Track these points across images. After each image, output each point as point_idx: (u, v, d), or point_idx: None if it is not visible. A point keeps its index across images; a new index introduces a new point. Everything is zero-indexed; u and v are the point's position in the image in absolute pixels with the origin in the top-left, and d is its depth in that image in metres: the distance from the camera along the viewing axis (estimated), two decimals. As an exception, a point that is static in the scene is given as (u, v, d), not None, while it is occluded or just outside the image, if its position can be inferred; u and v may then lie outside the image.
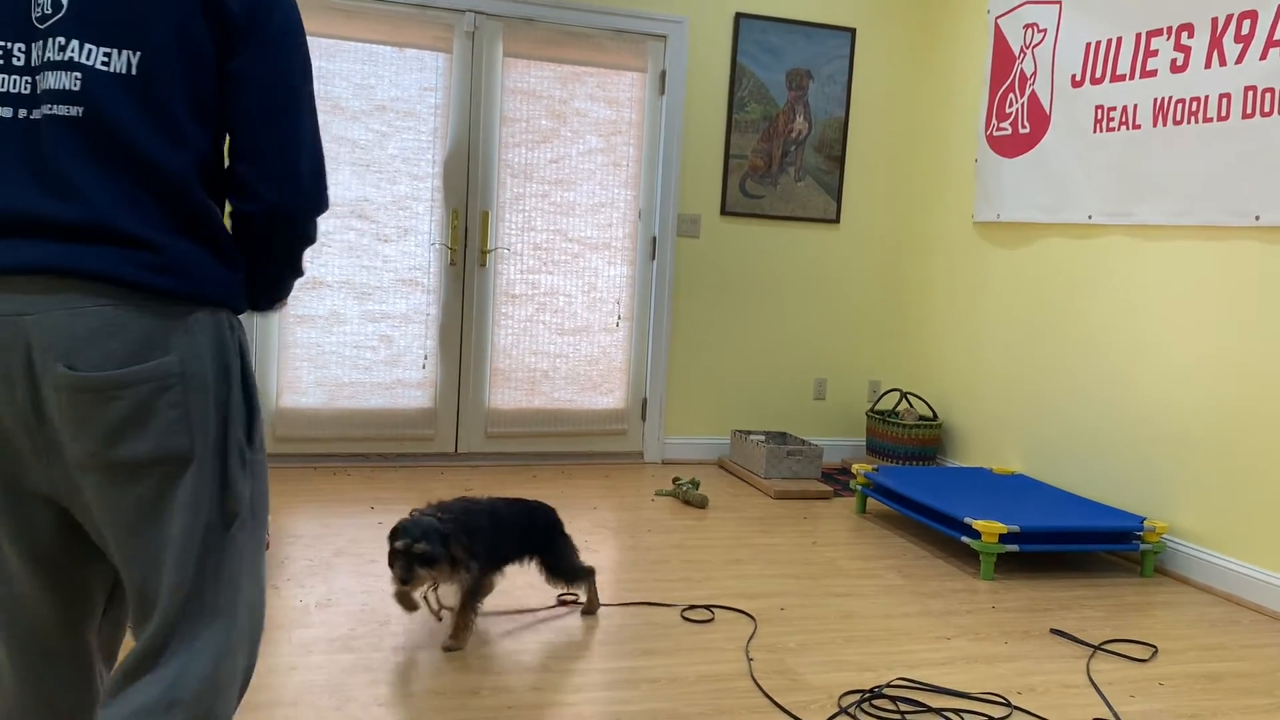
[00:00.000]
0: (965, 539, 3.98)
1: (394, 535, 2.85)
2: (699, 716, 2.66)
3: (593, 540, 4.15)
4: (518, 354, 5.33)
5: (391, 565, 2.86)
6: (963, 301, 5.53)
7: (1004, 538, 3.91)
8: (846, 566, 4.01)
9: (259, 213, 1.55)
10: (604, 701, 2.72)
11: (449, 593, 3.14)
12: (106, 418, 1.42)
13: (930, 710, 2.75)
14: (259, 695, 2.62)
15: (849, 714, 2.72)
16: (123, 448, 1.43)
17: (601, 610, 3.38)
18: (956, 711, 2.75)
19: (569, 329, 5.40)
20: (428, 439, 5.24)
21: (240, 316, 1.64)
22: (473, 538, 2.97)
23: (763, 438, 5.45)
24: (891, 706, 2.76)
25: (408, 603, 3.06)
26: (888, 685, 2.88)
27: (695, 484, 4.83)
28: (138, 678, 1.47)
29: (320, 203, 1.60)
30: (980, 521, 3.92)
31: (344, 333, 5.06)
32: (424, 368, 5.19)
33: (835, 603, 3.58)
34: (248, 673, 1.61)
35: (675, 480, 4.92)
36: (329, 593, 3.37)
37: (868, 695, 2.81)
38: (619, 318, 5.48)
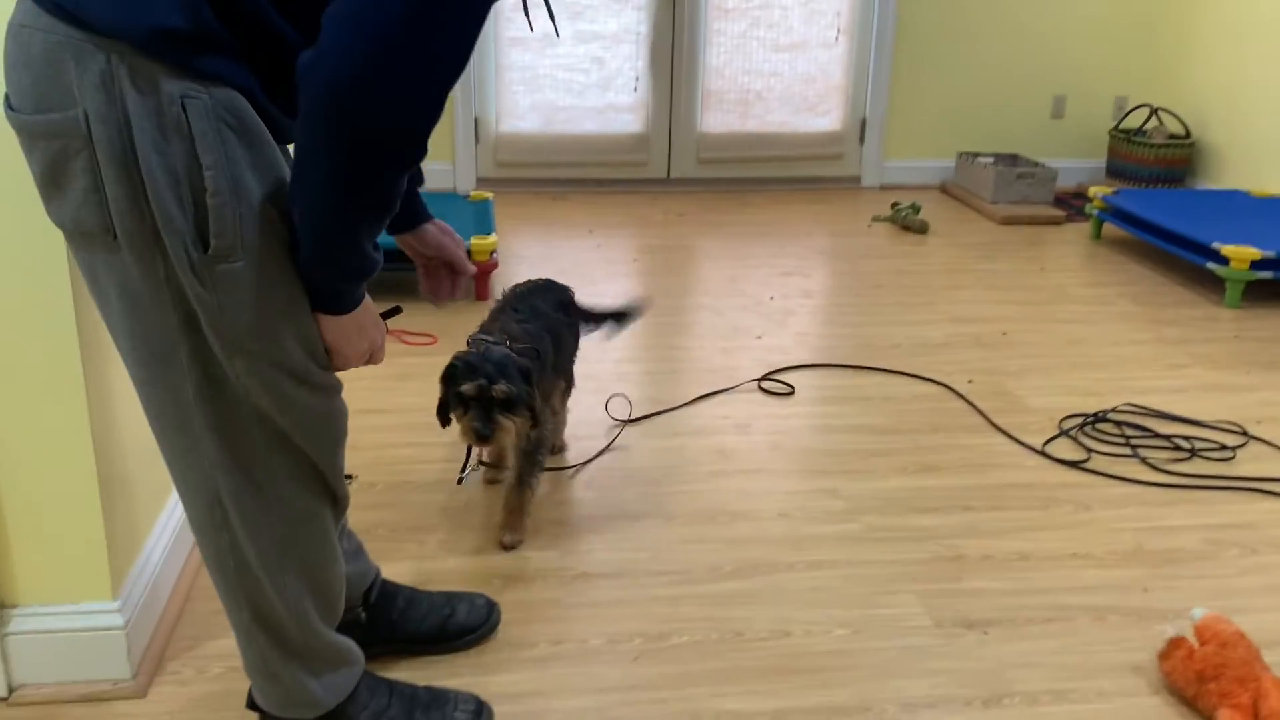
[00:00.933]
0: (1211, 265, 3.70)
1: (458, 375, 2.00)
2: (913, 432, 2.68)
3: (805, 265, 4.12)
4: (730, 74, 5.16)
5: (452, 415, 2.06)
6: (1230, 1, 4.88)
7: (1256, 264, 3.61)
8: (1076, 293, 3.83)
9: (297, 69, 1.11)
10: (812, 416, 2.78)
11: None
12: (34, 168, 1.20)
13: (1157, 436, 2.66)
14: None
15: (1070, 436, 2.67)
16: (50, 207, 1.21)
17: (797, 341, 3.39)
18: (1186, 438, 2.65)
19: (784, 45, 5.15)
20: (640, 164, 5.24)
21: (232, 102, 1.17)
22: (557, 361, 2.30)
23: (991, 160, 5.14)
24: (1116, 431, 2.69)
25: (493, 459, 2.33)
26: (1113, 410, 2.80)
27: (915, 208, 4.66)
28: None
29: (345, 76, 1.06)
30: (1230, 246, 3.62)
31: (556, 55, 5.02)
32: (635, 90, 5.11)
33: (1061, 329, 3.45)
34: (230, 542, 1.35)
35: (894, 205, 4.75)
36: (552, 309, 3.53)
37: (1091, 419, 2.74)
38: (838, 31, 5.16)
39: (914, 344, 3.28)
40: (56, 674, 1.67)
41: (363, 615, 1.72)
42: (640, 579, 2.04)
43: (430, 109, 1.12)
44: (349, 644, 1.53)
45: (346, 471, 1.96)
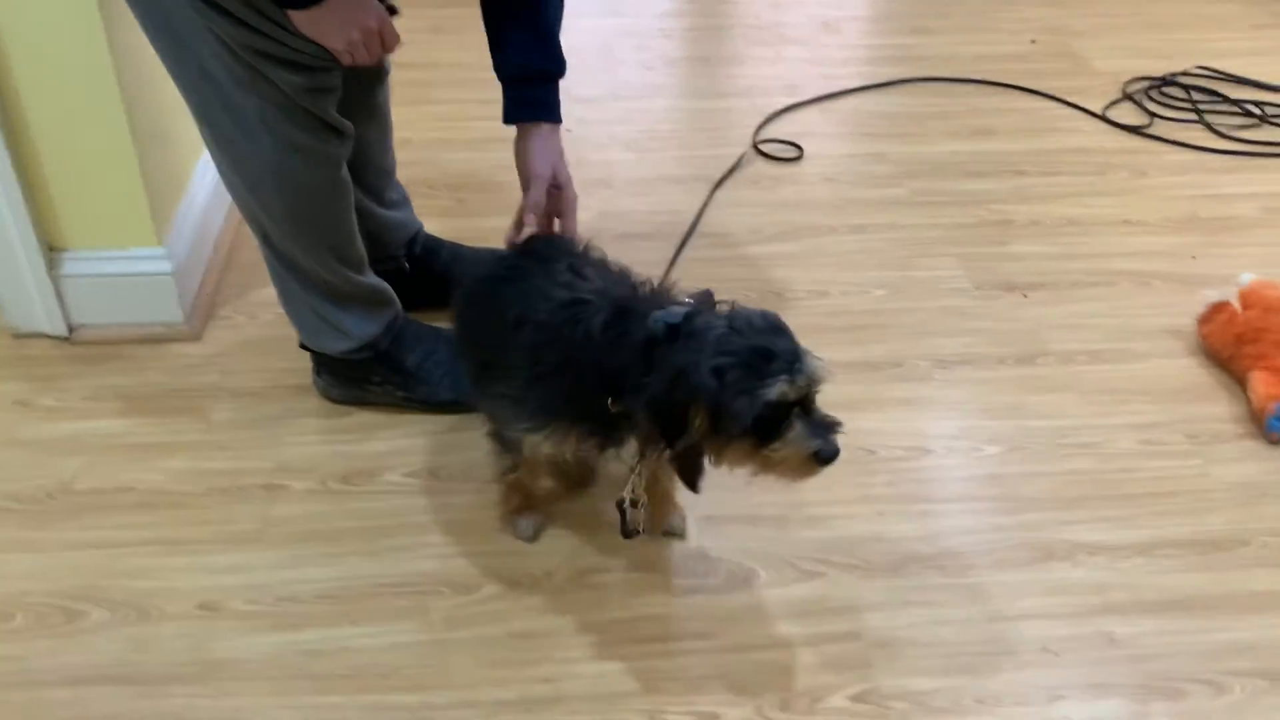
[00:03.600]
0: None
1: (751, 374, 1.07)
2: (968, 95, 2.56)
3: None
4: None
5: (723, 451, 1.13)
6: None
7: (1367, -87, 3.26)
8: (1158, -54, 3.52)
9: None
10: (862, 77, 2.64)
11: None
12: None
13: (1227, 100, 2.52)
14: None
15: (1133, 100, 2.54)
16: None
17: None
18: (1258, 103, 2.51)
19: None
20: None
21: None
22: None
23: None
24: (1183, 95, 2.55)
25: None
26: (1183, 73, 2.64)
27: None
28: None
29: None
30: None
31: None
32: None
33: (1138, -15, 3.20)
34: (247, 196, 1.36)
35: None
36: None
37: (1158, 82, 2.59)
38: None
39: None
40: (112, 316, 1.72)
41: (405, 265, 1.74)
42: (679, 240, 2.03)
43: None
44: (380, 286, 1.55)
45: None
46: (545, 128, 1.39)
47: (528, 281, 1.26)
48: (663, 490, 1.37)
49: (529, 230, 1.37)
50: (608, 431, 1.20)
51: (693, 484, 1.15)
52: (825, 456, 1.10)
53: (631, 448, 1.20)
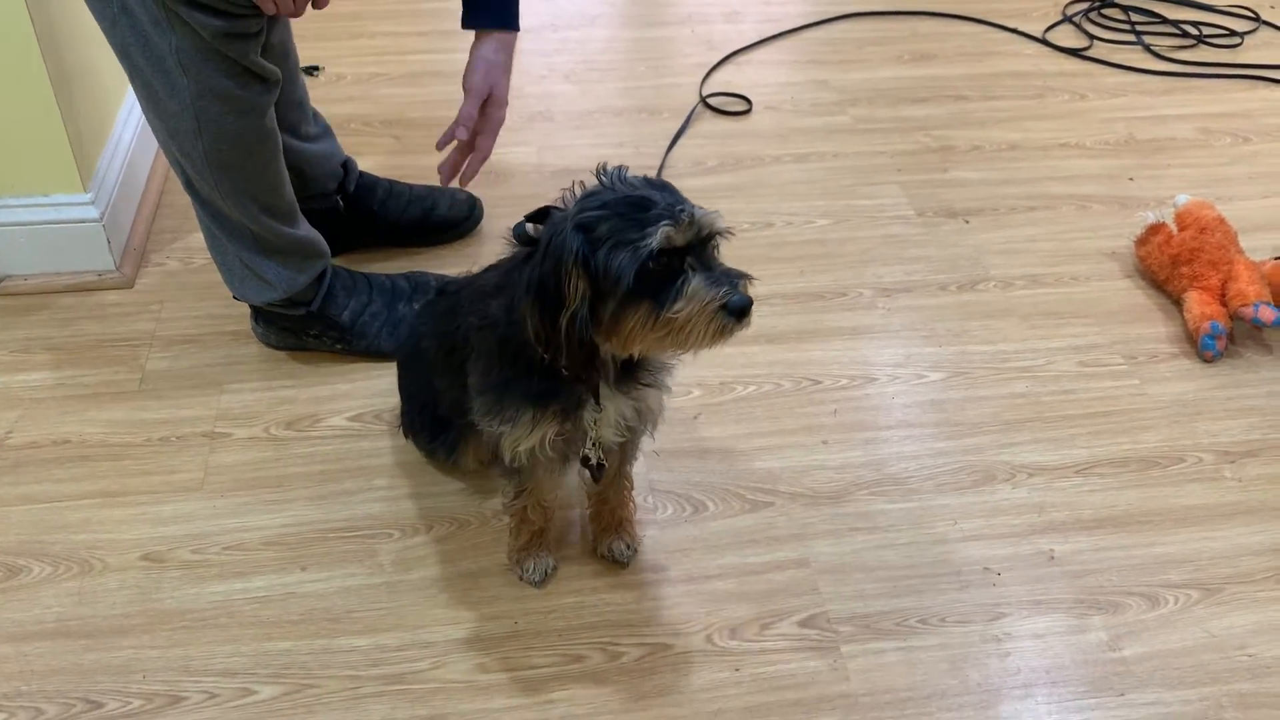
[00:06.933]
0: None
1: (646, 216, 0.96)
2: (911, 19, 2.54)
3: None
4: None
5: (613, 323, 0.99)
6: None
7: None
8: None
9: None
10: (805, 1, 2.62)
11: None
12: None
13: (1165, 21, 2.53)
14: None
15: (1074, 23, 2.54)
16: None
17: None
18: (1195, 24, 2.52)
19: None
20: None
21: None
22: None
23: None
24: (1122, 17, 2.55)
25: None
26: (1122, -6, 2.65)
27: None
28: None
29: None
30: None
31: None
32: None
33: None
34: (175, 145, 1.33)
35: None
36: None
37: (1097, 4, 2.59)
38: None
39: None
40: (39, 265, 1.67)
41: (341, 204, 1.70)
42: (622, 172, 2.01)
43: None
44: (309, 238, 1.49)
45: (311, 64, 1.85)
46: (497, 36, 1.41)
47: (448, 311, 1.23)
48: (611, 510, 1.29)
49: (454, 142, 1.46)
50: (565, 399, 1.08)
51: (580, 371, 1.02)
52: (734, 307, 0.95)
53: (590, 410, 1.10)
